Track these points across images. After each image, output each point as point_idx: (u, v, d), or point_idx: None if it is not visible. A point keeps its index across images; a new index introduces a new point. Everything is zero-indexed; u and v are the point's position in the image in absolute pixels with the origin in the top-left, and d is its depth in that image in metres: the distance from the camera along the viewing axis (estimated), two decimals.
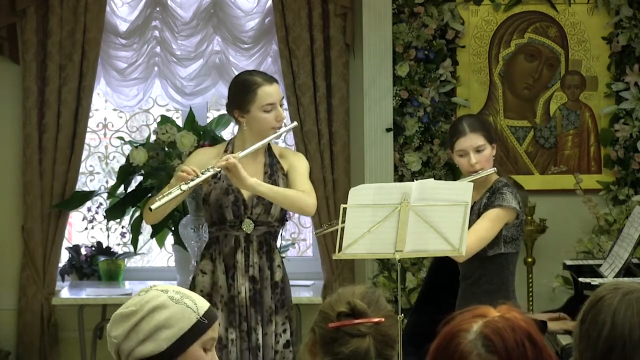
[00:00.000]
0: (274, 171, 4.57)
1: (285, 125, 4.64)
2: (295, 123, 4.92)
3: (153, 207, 4.23)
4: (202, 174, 4.30)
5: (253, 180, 4.38)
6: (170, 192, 4.23)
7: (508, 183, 4.45)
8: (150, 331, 2.48)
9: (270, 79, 4.59)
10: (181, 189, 4.22)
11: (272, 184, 4.51)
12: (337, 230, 4.02)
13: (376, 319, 2.35)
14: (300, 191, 4.51)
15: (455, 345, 1.95)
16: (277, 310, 4.54)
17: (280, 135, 4.57)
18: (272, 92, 4.52)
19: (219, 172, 4.39)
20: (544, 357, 1.96)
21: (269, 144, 4.59)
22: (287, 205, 4.50)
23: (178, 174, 4.32)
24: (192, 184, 4.25)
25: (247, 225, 4.53)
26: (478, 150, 4.42)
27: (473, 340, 1.95)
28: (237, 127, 4.69)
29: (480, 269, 4.41)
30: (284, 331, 4.55)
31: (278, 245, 4.69)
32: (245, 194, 4.52)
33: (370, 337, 2.35)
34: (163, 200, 4.23)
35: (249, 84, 4.52)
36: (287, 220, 4.76)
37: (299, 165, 4.60)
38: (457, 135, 4.47)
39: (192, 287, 4.51)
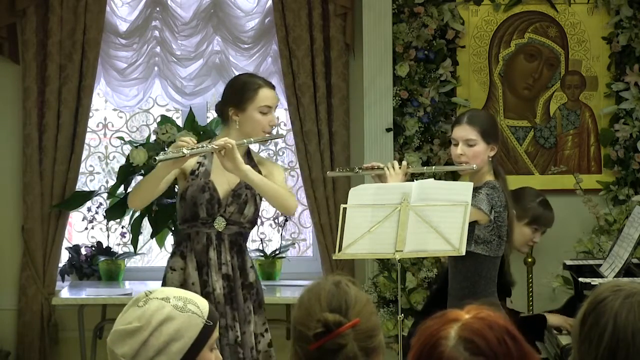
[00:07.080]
0: None
1: (277, 132, 4.65)
2: (284, 134, 4.93)
3: (158, 157, 4.24)
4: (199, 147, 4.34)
5: (247, 167, 4.39)
6: (173, 152, 4.26)
7: (497, 187, 4.37)
8: (161, 346, 2.39)
9: (271, 85, 4.65)
10: (183, 152, 4.24)
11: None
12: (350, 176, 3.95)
13: (352, 323, 2.28)
14: (286, 190, 4.56)
15: (438, 354, 1.91)
16: (256, 311, 4.55)
17: (268, 140, 4.58)
18: (270, 96, 4.57)
19: (217, 149, 4.35)
20: (524, 350, 1.94)
21: (250, 150, 4.61)
22: (273, 199, 4.49)
23: (177, 142, 4.34)
24: (193, 151, 4.28)
25: (219, 223, 4.53)
26: (469, 143, 4.42)
27: (455, 346, 1.91)
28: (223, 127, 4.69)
29: (453, 267, 4.41)
30: (266, 331, 4.59)
31: (249, 247, 4.67)
32: (221, 192, 4.53)
33: (352, 342, 2.27)
34: (167, 156, 4.25)
35: (251, 83, 4.57)
36: (257, 224, 4.72)
37: (277, 174, 4.63)
38: (455, 123, 4.55)
39: (163, 285, 4.51)
